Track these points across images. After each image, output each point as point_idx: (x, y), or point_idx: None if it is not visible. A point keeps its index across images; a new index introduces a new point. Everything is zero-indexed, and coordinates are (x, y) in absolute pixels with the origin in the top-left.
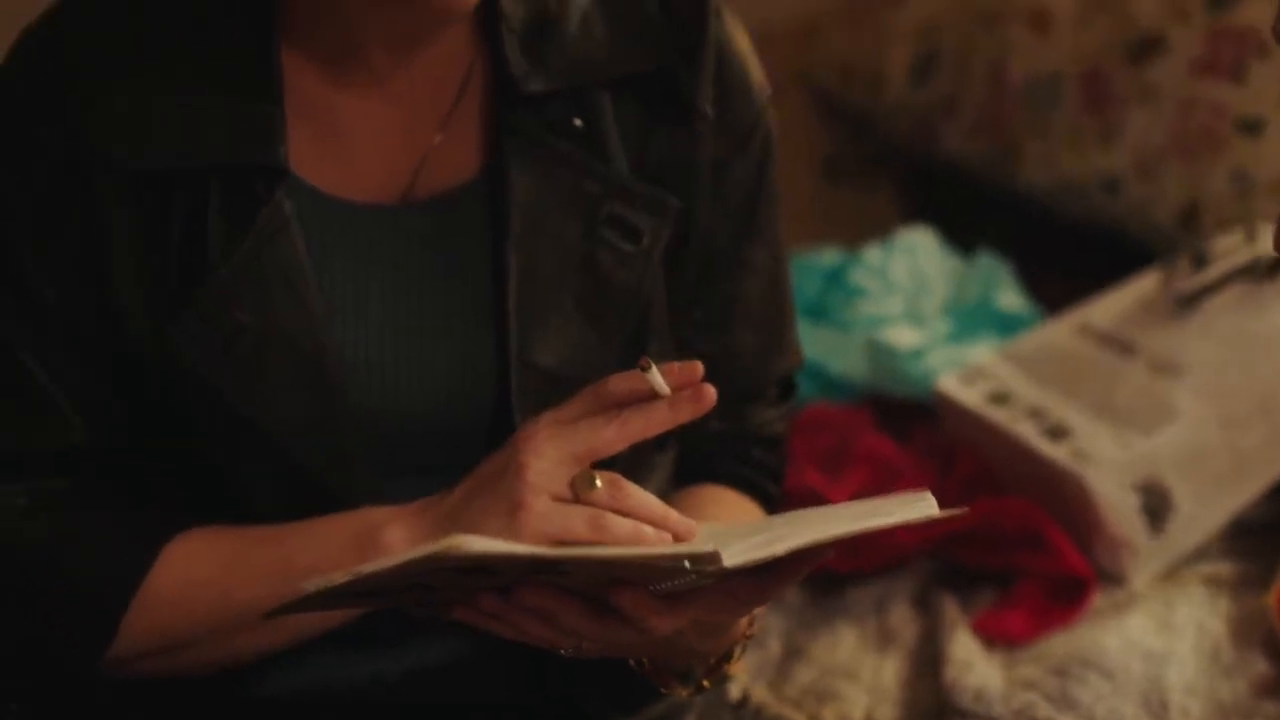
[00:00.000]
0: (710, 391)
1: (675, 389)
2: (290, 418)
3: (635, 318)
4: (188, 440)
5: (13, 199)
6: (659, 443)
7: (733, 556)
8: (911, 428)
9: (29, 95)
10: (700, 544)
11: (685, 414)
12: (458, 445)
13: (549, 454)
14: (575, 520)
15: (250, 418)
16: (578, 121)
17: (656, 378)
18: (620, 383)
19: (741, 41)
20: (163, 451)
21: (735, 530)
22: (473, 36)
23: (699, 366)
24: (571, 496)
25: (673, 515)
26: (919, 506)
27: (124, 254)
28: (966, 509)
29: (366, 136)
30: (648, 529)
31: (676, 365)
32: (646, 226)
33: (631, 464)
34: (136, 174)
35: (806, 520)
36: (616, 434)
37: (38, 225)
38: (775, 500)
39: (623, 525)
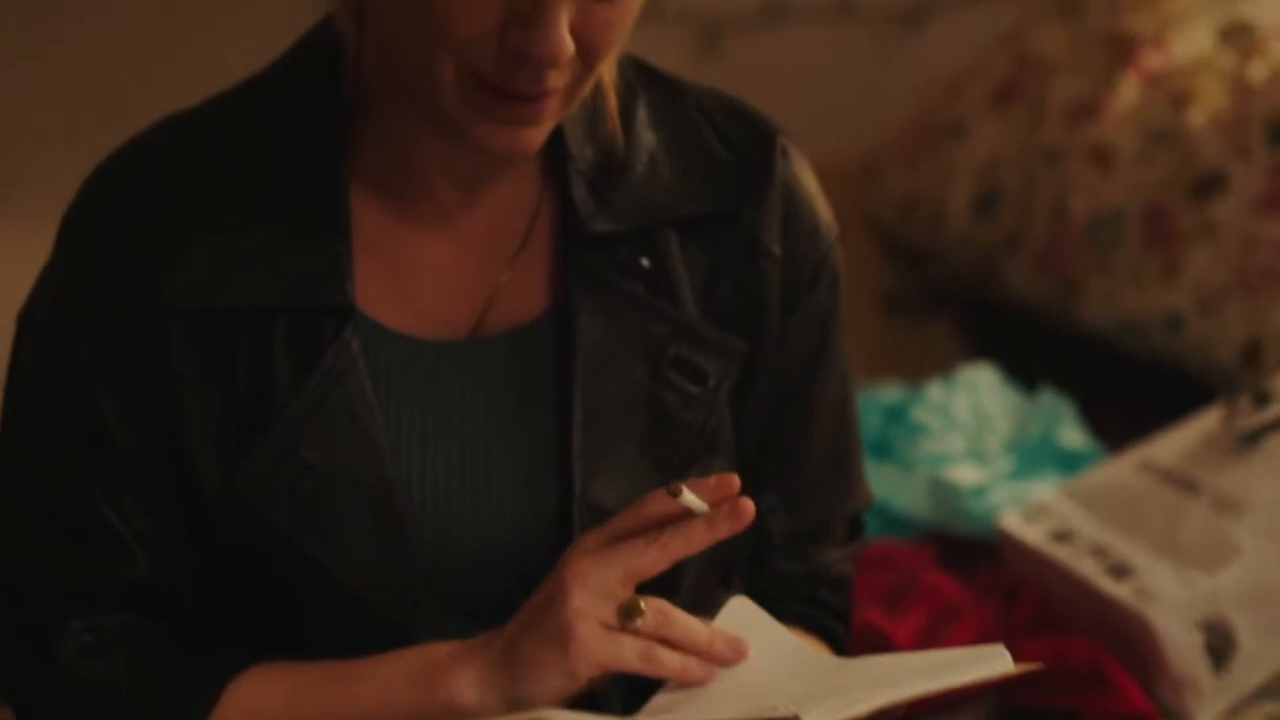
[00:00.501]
0: (748, 505)
1: (713, 503)
2: (356, 555)
3: (700, 459)
4: (253, 575)
5: (82, 338)
6: (724, 580)
7: None
8: (974, 565)
9: (97, 236)
10: (781, 707)
11: (724, 530)
12: (522, 581)
13: (593, 581)
14: (625, 651)
15: (316, 556)
16: (645, 261)
17: (689, 498)
18: (659, 503)
19: (809, 180)
20: (228, 586)
21: (790, 658)
22: (540, 174)
23: (735, 480)
24: (619, 623)
25: (717, 642)
26: (994, 663)
27: (191, 392)
28: (1040, 664)
29: (434, 273)
30: (694, 664)
31: (712, 480)
32: (712, 369)
33: (696, 602)
34: (204, 313)
35: (879, 671)
36: (657, 556)
37: (107, 365)
38: (842, 641)
39: (672, 660)
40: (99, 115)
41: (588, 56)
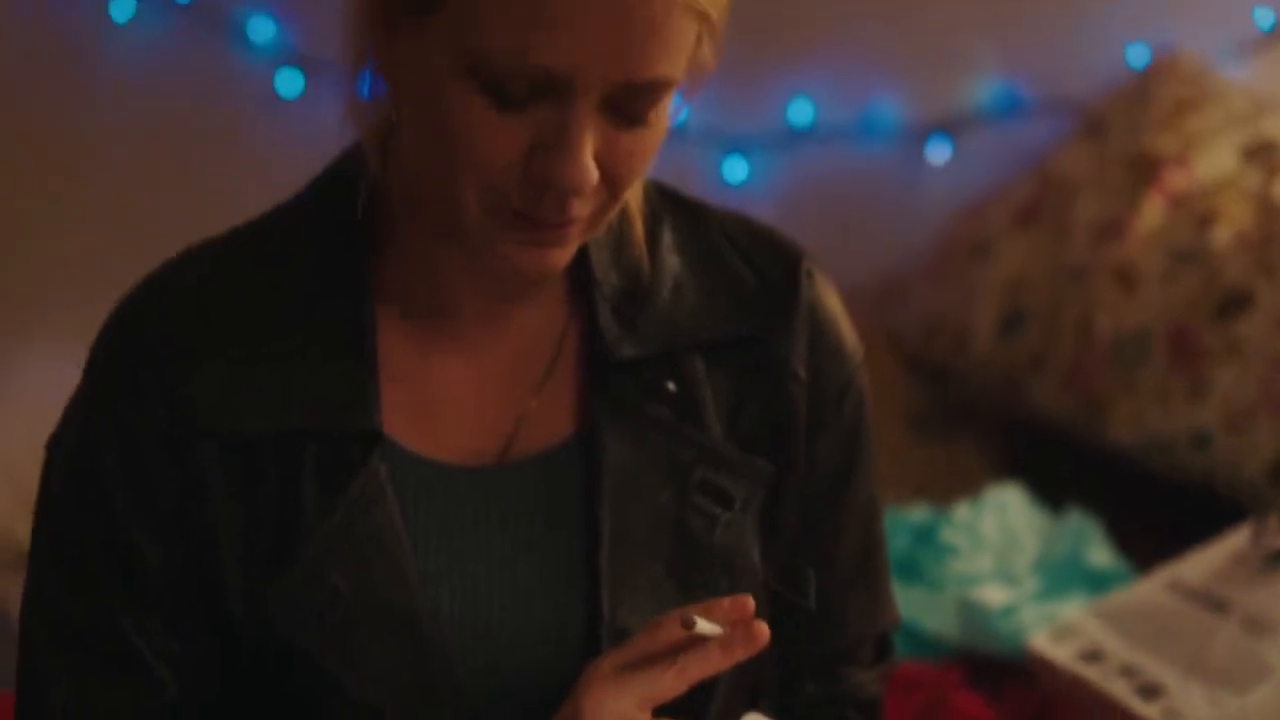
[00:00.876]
0: (763, 629)
1: (729, 625)
2: (383, 680)
3: (726, 582)
4: (281, 699)
5: (109, 449)
6: (751, 702)
7: None
8: (1003, 686)
9: (126, 364)
10: None
11: (739, 653)
12: (549, 705)
13: (609, 709)
14: None
15: (342, 679)
16: (671, 385)
17: (704, 627)
18: (675, 628)
19: (833, 303)
20: (255, 709)
21: None
22: (565, 298)
23: (750, 602)
24: None
25: None
26: None
27: (221, 516)
28: None
29: (461, 399)
30: None
31: (726, 601)
32: (738, 492)
33: None
34: (233, 440)
35: None
36: (674, 682)
37: (137, 489)
38: None
39: None
40: (134, 244)
41: (612, 184)
